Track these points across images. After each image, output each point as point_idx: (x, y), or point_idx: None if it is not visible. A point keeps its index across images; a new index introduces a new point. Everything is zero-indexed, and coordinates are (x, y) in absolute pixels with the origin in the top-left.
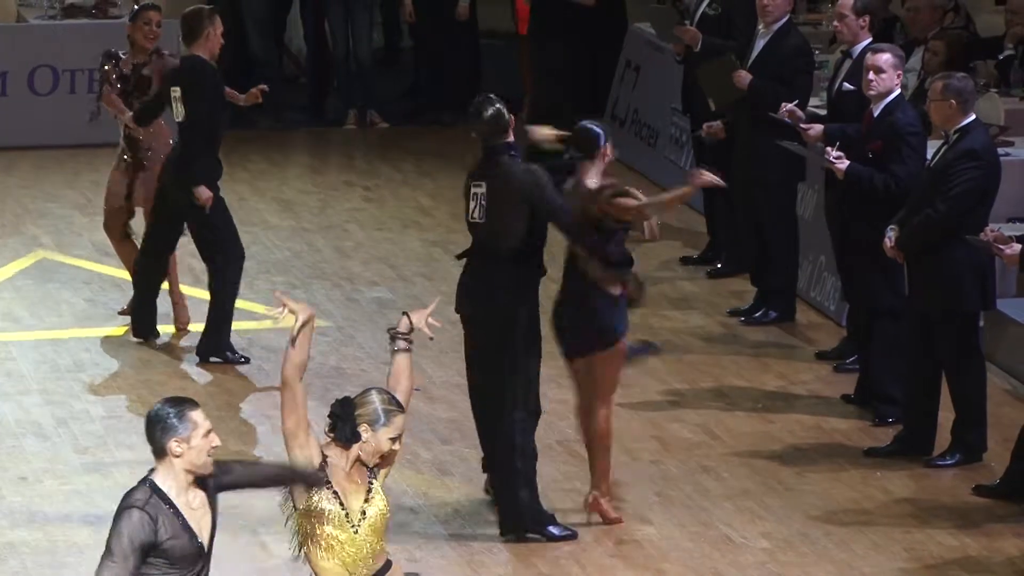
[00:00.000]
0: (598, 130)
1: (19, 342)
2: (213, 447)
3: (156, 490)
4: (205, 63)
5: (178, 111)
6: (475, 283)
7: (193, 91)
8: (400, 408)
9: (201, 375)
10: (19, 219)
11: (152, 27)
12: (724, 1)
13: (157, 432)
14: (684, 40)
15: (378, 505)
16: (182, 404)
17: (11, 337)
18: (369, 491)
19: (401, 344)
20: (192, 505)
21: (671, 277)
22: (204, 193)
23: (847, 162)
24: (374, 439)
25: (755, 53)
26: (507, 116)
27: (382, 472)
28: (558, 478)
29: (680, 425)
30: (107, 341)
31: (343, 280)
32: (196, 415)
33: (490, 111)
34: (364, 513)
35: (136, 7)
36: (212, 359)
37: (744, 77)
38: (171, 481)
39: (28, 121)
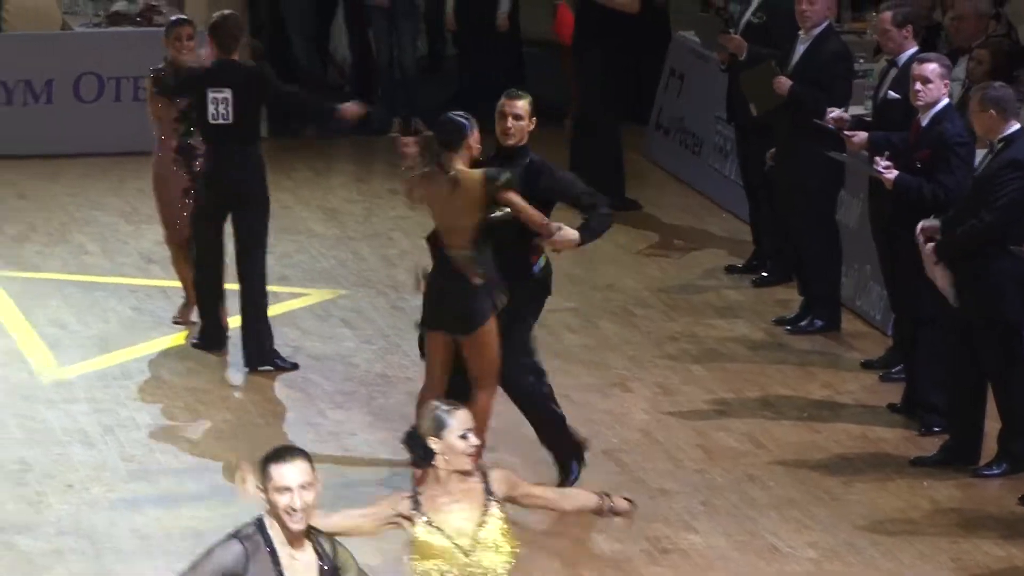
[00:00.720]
0: (463, 120)
1: (66, 349)
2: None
3: (262, 529)
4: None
5: (224, 112)
6: None
7: (260, 95)
8: (456, 404)
9: (247, 383)
10: (65, 227)
11: (183, 41)
12: (768, 9)
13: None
14: (728, 48)
15: (495, 527)
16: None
17: (60, 342)
18: (485, 513)
19: None
20: (295, 558)
21: (716, 286)
22: None
23: (895, 172)
24: (446, 446)
25: (795, 59)
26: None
27: (505, 486)
28: (602, 487)
29: (726, 434)
30: (153, 349)
31: (388, 288)
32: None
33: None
34: (477, 537)
35: (169, 21)
36: (261, 368)
37: (784, 83)
38: (280, 530)
39: (73, 129)
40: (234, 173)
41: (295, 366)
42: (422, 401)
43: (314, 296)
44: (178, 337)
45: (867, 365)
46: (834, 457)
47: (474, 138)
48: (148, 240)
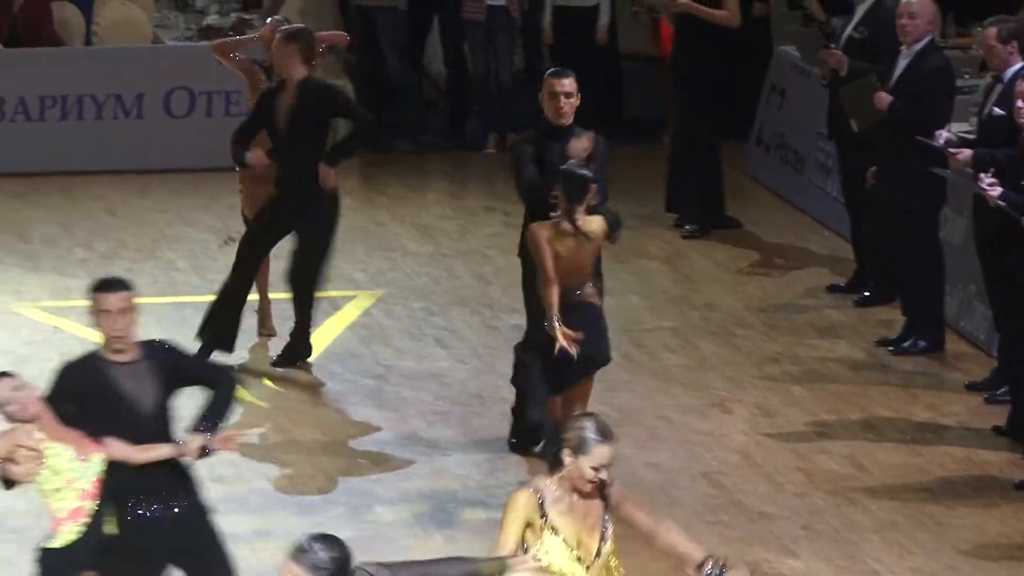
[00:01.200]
0: (588, 174)
1: None
2: None
3: None
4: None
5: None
6: None
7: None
8: (607, 439)
9: (339, 400)
10: (155, 244)
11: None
12: (870, 24)
13: None
14: (830, 63)
15: (610, 544)
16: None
17: None
18: (603, 533)
19: None
20: None
21: (817, 305)
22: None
23: (1000, 189)
24: (576, 467)
25: (896, 74)
26: None
27: (616, 499)
28: (700, 510)
29: (827, 456)
30: (243, 368)
31: (482, 307)
32: None
33: None
34: (599, 552)
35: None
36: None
37: (884, 99)
38: None
39: (164, 144)
40: (299, 187)
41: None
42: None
43: (407, 314)
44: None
45: (971, 387)
46: (937, 480)
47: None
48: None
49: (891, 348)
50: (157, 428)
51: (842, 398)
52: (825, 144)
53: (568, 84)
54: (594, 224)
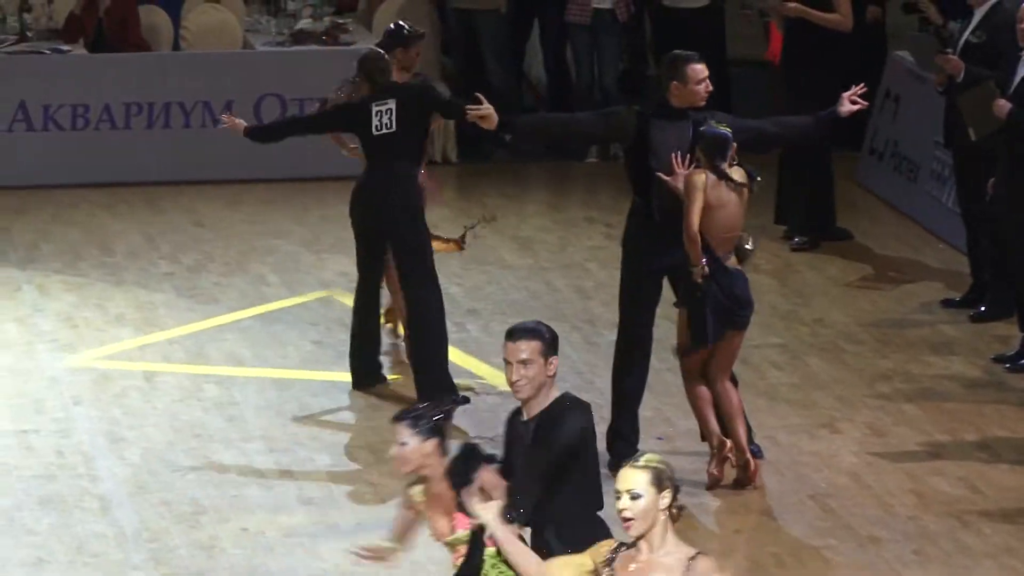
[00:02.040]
0: (726, 133)
1: (242, 386)
2: None
3: None
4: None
5: (387, 123)
6: None
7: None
8: (636, 462)
9: None
10: (244, 256)
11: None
12: (989, 28)
13: None
14: (947, 70)
15: None
16: None
17: (235, 378)
18: None
19: None
20: None
21: (932, 321)
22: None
23: None
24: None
25: (1016, 81)
26: None
27: None
28: (808, 534)
29: (940, 478)
30: (334, 386)
31: (583, 322)
32: None
33: None
34: None
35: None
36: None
37: (1004, 106)
38: None
39: (254, 153)
40: (395, 190)
41: (466, 400)
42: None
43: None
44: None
45: None
46: None
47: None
48: (331, 271)
49: (1008, 365)
50: None
51: (956, 417)
52: (941, 153)
53: (704, 69)
54: (737, 174)
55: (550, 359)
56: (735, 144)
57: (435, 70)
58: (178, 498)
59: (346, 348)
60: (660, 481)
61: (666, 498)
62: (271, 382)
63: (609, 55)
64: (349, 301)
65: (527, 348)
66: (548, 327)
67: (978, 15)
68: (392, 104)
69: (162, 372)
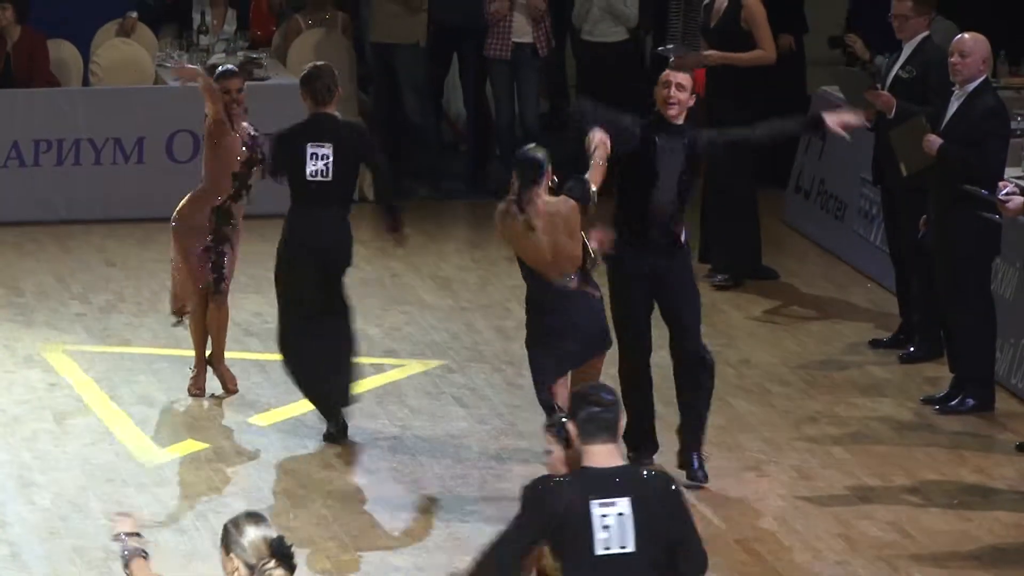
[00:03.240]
0: (539, 157)
1: (155, 429)
2: None
3: None
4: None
5: (322, 170)
6: None
7: (360, 154)
8: None
9: (352, 464)
10: (157, 296)
11: (232, 95)
12: (919, 63)
13: None
14: (877, 105)
15: None
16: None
17: (148, 421)
18: None
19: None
20: None
21: (860, 362)
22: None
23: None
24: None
25: (948, 116)
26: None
27: None
28: None
29: (869, 522)
30: (249, 428)
31: (504, 364)
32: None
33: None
34: None
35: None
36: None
37: (934, 141)
38: None
39: (167, 191)
40: (327, 237)
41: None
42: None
43: (423, 371)
44: (279, 412)
45: (1023, 448)
46: (987, 548)
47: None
48: (246, 311)
49: (938, 407)
50: None
51: (886, 460)
52: (869, 190)
53: (682, 78)
54: (553, 206)
55: None
56: (549, 169)
57: (352, 105)
58: (90, 544)
59: (260, 390)
60: None
61: None
62: (184, 425)
63: (530, 90)
64: (262, 341)
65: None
66: None
67: (907, 50)
68: (329, 148)
69: (73, 414)
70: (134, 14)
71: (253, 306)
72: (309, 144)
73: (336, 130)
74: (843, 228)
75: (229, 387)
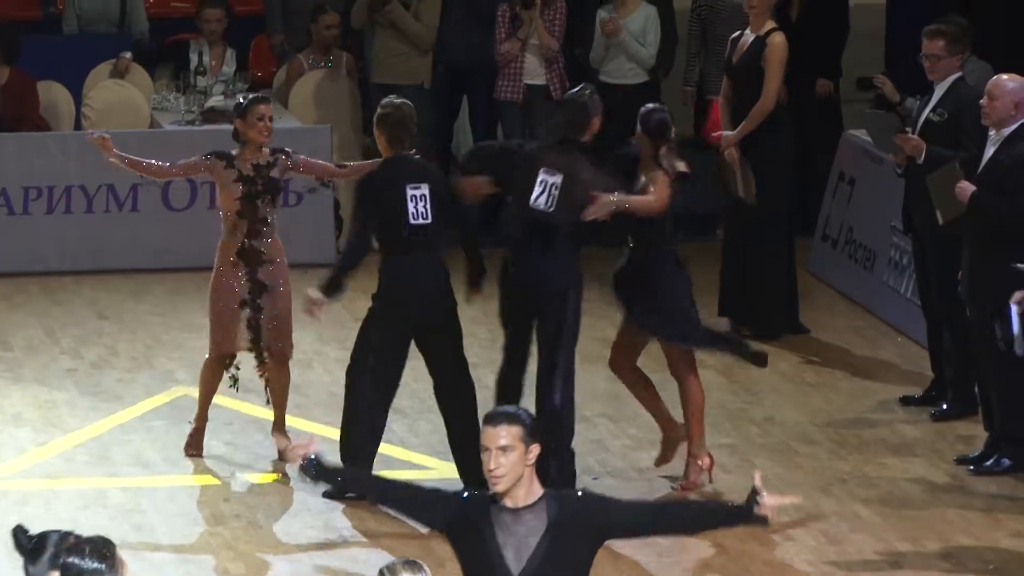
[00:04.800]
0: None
1: (150, 492)
2: None
3: None
4: None
5: (423, 211)
6: None
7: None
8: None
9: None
10: (151, 351)
11: (266, 122)
12: (951, 105)
13: None
14: (906, 150)
15: None
16: None
17: (141, 484)
18: None
19: None
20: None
21: (890, 420)
22: None
23: None
24: None
25: (984, 161)
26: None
27: None
28: None
29: None
30: (250, 490)
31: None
32: None
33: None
34: None
35: (243, 100)
36: None
37: (965, 188)
38: None
39: (162, 240)
40: (431, 286)
41: None
42: None
43: (430, 430)
44: (269, 474)
45: None
46: None
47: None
48: (246, 366)
49: (972, 467)
50: None
51: (918, 523)
52: (900, 239)
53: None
54: None
55: (531, 447)
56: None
57: (356, 149)
58: None
59: (261, 449)
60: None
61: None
62: (181, 487)
63: (543, 134)
64: (261, 397)
65: (507, 433)
66: (529, 413)
67: (939, 91)
68: (426, 189)
69: (64, 476)
70: (128, 55)
71: (252, 358)
72: (408, 186)
73: (426, 170)
74: (872, 279)
75: (287, 456)
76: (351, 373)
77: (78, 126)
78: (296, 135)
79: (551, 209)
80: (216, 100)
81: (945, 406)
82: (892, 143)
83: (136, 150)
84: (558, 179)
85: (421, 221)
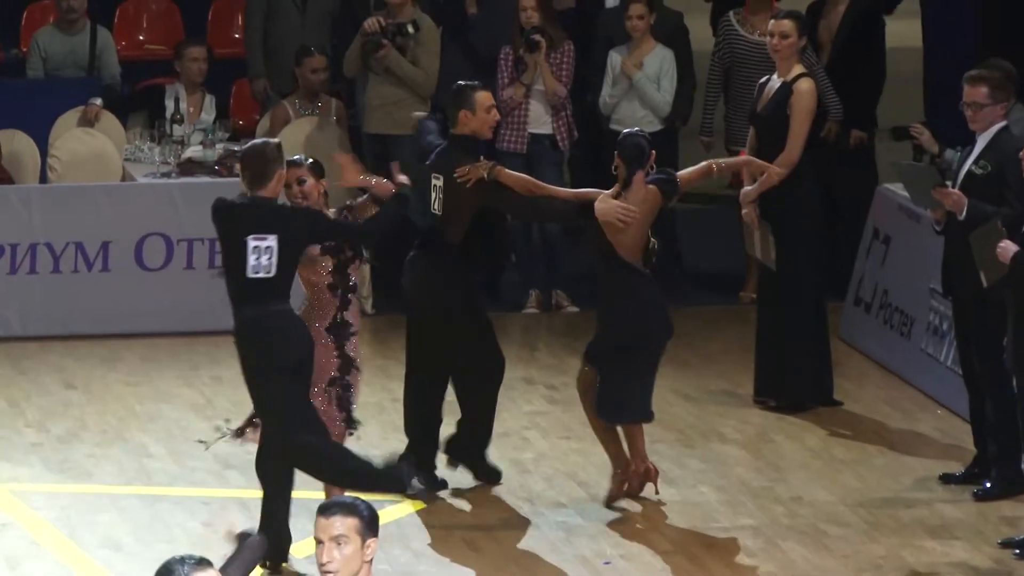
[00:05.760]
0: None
1: None
2: None
3: None
4: None
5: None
6: None
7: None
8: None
9: None
10: (123, 423)
11: (294, 188)
12: (995, 156)
13: None
14: (946, 205)
15: None
16: None
17: (113, 567)
18: None
19: None
20: None
21: (929, 499)
22: None
23: None
24: None
25: None
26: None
27: None
28: None
29: None
30: None
31: (521, 500)
32: None
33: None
34: None
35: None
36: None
37: (1008, 248)
38: None
39: (135, 303)
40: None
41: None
42: None
43: (430, 509)
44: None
45: None
46: None
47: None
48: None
49: (1018, 551)
50: None
51: None
52: (939, 303)
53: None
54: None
55: (368, 540)
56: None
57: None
58: None
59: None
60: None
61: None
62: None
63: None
64: (244, 475)
65: (342, 525)
66: (368, 505)
67: (981, 142)
68: (272, 240)
69: (27, 559)
70: (98, 101)
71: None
72: (251, 237)
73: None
74: (909, 346)
75: None
76: None
77: (43, 179)
78: None
79: (439, 213)
80: (194, 150)
81: (988, 484)
82: (930, 198)
83: (106, 205)
84: (440, 181)
85: (263, 275)
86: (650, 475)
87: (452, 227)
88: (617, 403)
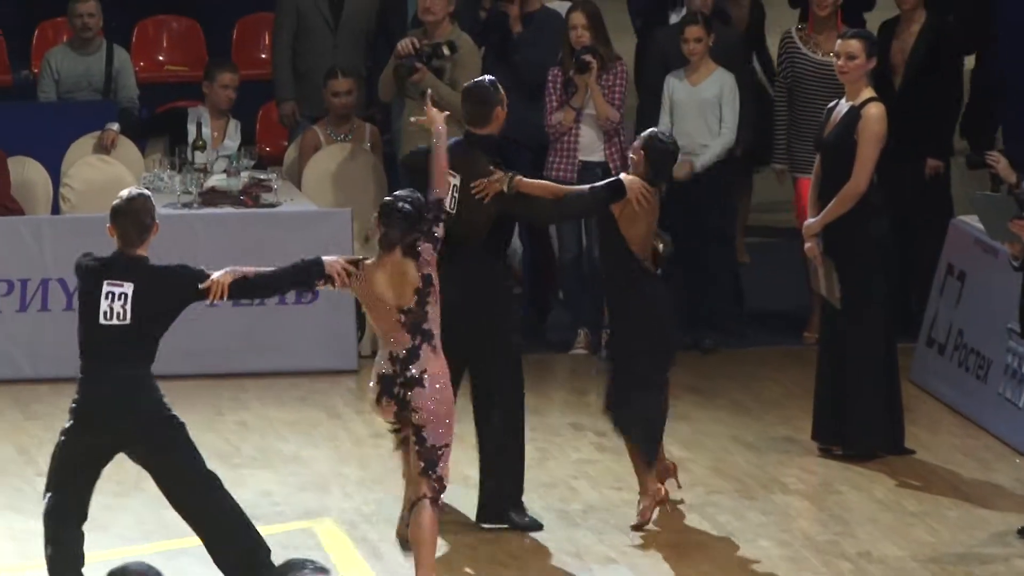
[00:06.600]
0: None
1: None
2: None
3: None
4: None
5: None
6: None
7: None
8: None
9: None
10: (141, 472)
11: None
12: None
13: None
14: (1022, 239)
15: None
16: None
17: None
18: None
19: None
20: None
21: (1007, 555)
22: None
23: None
24: None
25: None
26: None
27: None
28: None
29: None
30: None
31: (569, 556)
32: None
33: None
34: None
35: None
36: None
37: None
38: None
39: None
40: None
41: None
42: None
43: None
44: None
45: None
46: None
47: None
48: (251, 490)
49: None
50: None
51: None
52: (1018, 344)
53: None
54: None
55: None
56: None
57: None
58: None
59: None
60: None
61: None
62: None
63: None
64: (274, 529)
65: None
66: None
67: None
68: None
69: None
70: (115, 126)
71: (259, 483)
72: (106, 281)
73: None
74: (986, 390)
75: None
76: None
77: (55, 209)
78: (311, 220)
79: (454, 212)
80: (218, 179)
81: None
82: (1007, 231)
83: None
84: (456, 180)
85: (116, 322)
86: (670, 472)
87: (470, 230)
88: (618, 404)
